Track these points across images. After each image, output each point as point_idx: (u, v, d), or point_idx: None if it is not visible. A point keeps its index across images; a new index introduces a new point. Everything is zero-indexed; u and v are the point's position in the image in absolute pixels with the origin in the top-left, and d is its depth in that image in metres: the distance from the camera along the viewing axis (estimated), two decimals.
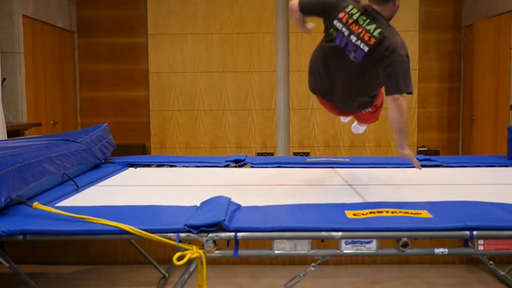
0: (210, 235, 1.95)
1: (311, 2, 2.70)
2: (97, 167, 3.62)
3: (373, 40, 2.49)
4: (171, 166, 3.93)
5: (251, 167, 3.78)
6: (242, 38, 6.33)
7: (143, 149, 6.57)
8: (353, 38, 2.54)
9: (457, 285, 3.11)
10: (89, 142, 3.51)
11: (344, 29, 2.57)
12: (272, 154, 6.28)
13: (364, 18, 2.54)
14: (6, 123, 4.58)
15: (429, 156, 4.02)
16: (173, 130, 6.43)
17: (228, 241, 2.03)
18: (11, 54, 5.06)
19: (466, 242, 2.03)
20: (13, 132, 4.72)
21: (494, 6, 5.78)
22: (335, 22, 2.60)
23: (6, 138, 4.44)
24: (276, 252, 2.01)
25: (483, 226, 1.96)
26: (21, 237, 2.02)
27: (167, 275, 3.16)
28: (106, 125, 4.09)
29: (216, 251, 1.98)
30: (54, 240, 2.11)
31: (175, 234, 1.96)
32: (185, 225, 1.97)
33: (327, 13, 2.64)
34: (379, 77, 2.57)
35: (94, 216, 2.03)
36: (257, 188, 2.92)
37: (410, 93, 2.51)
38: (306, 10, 2.75)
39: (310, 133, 6.32)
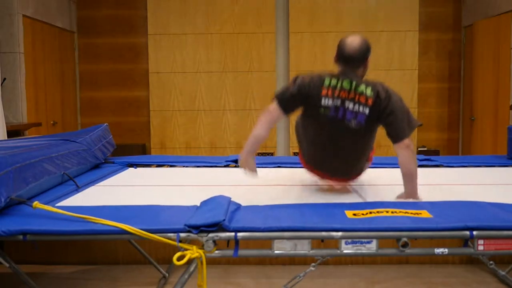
0: (210, 235, 1.95)
1: (291, 96, 2.51)
2: (97, 167, 3.62)
3: (370, 100, 2.43)
4: (171, 166, 3.93)
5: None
6: (242, 38, 6.33)
7: (143, 149, 6.56)
8: (349, 105, 2.45)
9: (457, 285, 3.11)
10: (89, 142, 3.51)
11: (335, 101, 2.46)
12: (272, 154, 6.28)
13: (348, 82, 2.46)
14: (6, 123, 4.58)
15: (429, 156, 4.02)
16: (173, 130, 6.43)
17: (228, 241, 2.03)
18: (11, 54, 5.06)
19: (466, 242, 2.03)
20: (13, 132, 4.72)
21: (494, 6, 5.78)
22: (323, 101, 2.47)
23: (6, 138, 4.44)
24: (276, 252, 2.01)
25: (483, 226, 1.96)
26: (21, 237, 2.02)
27: (167, 275, 3.16)
28: (106, 125, 4.09)
29: (216, 251, 1.98)
30: (54, 240, 2.11)
31: (175, 234, 1.96)
32: (185, 225, 1.97)
33: (309, 98, 2.50)
34: (375, 132, 2.57)
35: (95, 216, 2.03)
36: (257, 188, 2.92)
37: (420, 124, 2.54)
38: (290, 109, 2.58)
39: None
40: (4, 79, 4.90)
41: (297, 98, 2.52)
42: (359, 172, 2.78)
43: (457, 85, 6.68)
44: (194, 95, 6.39)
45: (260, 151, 6.21)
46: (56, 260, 3.47)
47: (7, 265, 2.20)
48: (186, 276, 2.01)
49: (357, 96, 2.44)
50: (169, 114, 6.41)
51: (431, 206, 2.20)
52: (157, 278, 3.15)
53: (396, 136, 2.44)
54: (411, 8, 6.25)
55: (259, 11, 6.28)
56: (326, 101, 2.46)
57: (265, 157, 4.63)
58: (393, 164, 3.81)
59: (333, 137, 2.55)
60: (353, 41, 2.51)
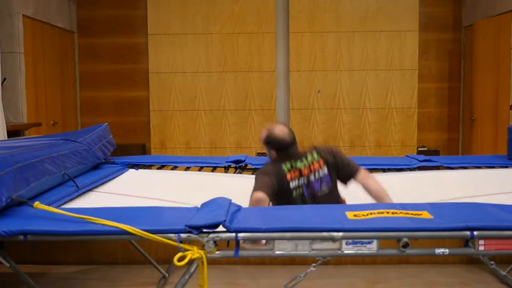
0: (211, 235, 1.95)
1: (272, 184, 2.61)
2: (98, 167, 3.62)
3: (321, 161, 2.74)
4: (173, 168, 3.93)
5: (251, 167, 3.78)
6: (242, 38, 6.32)
7: (143, 149, 6.56)
8: (312, 178, 2.69)
9: (457, 285, 3.11)
10: (89, 142, 3.51)
11: (302, 180, 2.68)
12: None
13: (299, 159, 2.71)
14: (6, 123, 4.57)
15: (429, 156, 4.02)
16: (173, 130, 6.43)
17: (228, 241, 2.03)
18: (11, 54, 5.06)
19: (466, 242, 2.03)
20: (13, 132, 4.71)
21: (494, 6, 5.77)
22: (291, 185, 2.66)
23: (6, 138, 4.44)
24: (276, 252, 2.01)
25: (483, 226, 1.96)
26: (21, 237, 2.02)
27: (167, 275, 3.16)
28: (106, 124, 4.09)
29: (217, 252, 1.98)
30: (54, 240, 2.11)
31: (176, 235, 1.96)
32: (186, 225, 1.97)
33: (280, 185, 2.64)
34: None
35: (95, 216, 2.03)
36: None
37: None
38: (272, 194, 2.66)
39: (310, 133, 6.32)
40: (4, 79, 4.90)
41: (274, 183, 2.63)
42: None
43: (457, 85, 6.67)
44: (194, 95, 6.39)
45: (260, 152, 6.22)
46: (56, 260, 3.47)
47: (7, 265, 2.19)
48: (186, 277, 2.01)
49: (311, 167, 2.71)
50: (169, 114, 6.41)
51: (431, 207, 2.20)
52: (157, 278, 3.15)
53: (356, 169, 2.78)
54: (411, 8, 6.24)
55: (259, 11, 6.27)
56: (294, 183, 2.67)
57: (265, 157, 4.62)
58: (393, 165, 3.82)
59: (313, 203, 2.68)
60: (283, 131, 2.75)
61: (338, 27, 6.25)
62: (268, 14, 6.27)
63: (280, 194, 2.65)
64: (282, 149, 2.72)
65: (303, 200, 2.67)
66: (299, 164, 2.70)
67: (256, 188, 2.56)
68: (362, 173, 2.78)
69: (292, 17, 6.25)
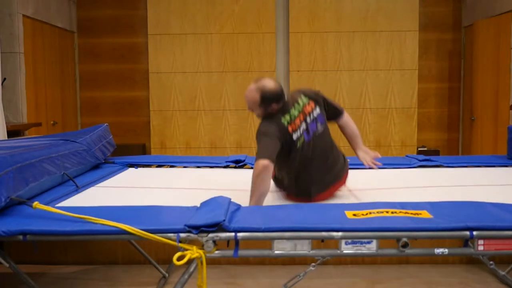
0: (210, 235, 1.95)
1: (276, 146, 2.60)
2: (97, 167, 3.62)
3: (312, 103, 2.79)
4: (171, 166, 3.93)
5: (251, 168, 3.78)
6: (242, 38, 6.32)
7: (143, 149, 6.56)
8: (308, 120, 2.73)
9: (457, 285, 3.11)
10: (89, 142, 3.51)
11: (302, 127, 2.70)
12: None
13: (293, 107, 2.73)
14: (6, 123, 4.58)
15: (429, 156, 4.02)
16: (173, 130, 6.43)
17: (228, 241, 2.03)
18: (11, 54, 5.06)
19: (466, 242, 2.03)
20: (13, 132, 4.71)
21: (494, 6, 5.77)
22: (294, 137, 2.67)
23: (6, 138, 4.44)
24: (276, 252, 2.01)
25: (483, 226, 1.96)
26: (21, 237, 2.02)
27: (167, 275, 3.16)
28: (106, 125, 4.09)
29: (216, 251, 1.98)
30: (54, 240, 2.11)
31: (175, 235, 1.96)
32: (185, 225, 1.97)
33: (284, 141, 2.65)
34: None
35: (94, 216, 2.03)
36: None
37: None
38: (277, 154, 2.66)
39: None
40: (4, 79, 4.90)
41: (279, 143, 2.63)
42: (346, 167, 2.92)
43: (457, 85, 6.67)
44: (194, 95, 6.39)
45: None
46: (56, 260, 3.47)
47: (7, 265, 2.19)
48: (186, 276, 2.01)
49: (305, 110, 2.75)
50: (169, 114, 6.41)
51: (431, 206, 2.20)
52: (157, 278, 3.15)
53: (341, 111, 2.99)
54: (411, 8, 6.24)
55: (259, 11, 6.27)
56: (296, 134, 2.68)
57: None
58: (393, 164, 3.82)
59: (316, 151, 2.73)
60: (271, 82, 2.73)
61: (338, 27, 6.25)
62: (268, 14, 6.27)
63: (284, 149, 2.65)
64: (280, 99, 2.69)
65: (305, 147, 2.68)
66: (295, 112, 2.71)
67: (261, 155, 2.52)
68: (346, 115, 3.00)
69: (292, 17, 6.25)
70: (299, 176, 2.74)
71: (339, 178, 2.84)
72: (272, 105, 2.68)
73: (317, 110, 2.79)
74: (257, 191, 2.50)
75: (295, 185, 2.77)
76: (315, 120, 2.75)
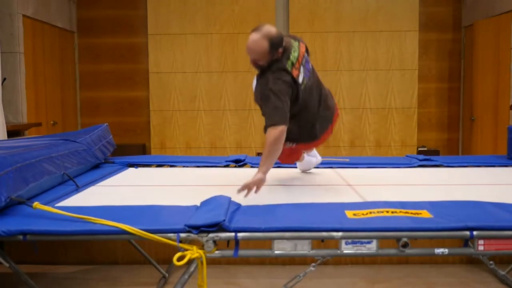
0: (210, 235, 1.95)
1: (288, 107, 2.60)
2: (97, 167, 3.62)
3: (302, 45, 2.83)
4: (171, 166, 3.93)
5: (251, 167, 3.78)
6: (242, 38, 6.32)
7: (143, 149, 6.56)
8: (304, 61, 2.79)
9: (457, 285, 3.11)
10: (89, 142, 3.51)
11: (305, 69, 2.77)
12: None
13: (293, 52, 2.73)
14: (6, 123, 4.58)
15: (429, 156, 4.02)
16: (173, 130, 6.43)
17: (228, 241, 2.03)
18: (11, 54, 5.06)
19: (466, 242, 2.03)
20: (13, 132, 4.71)
21: (494, 6, 5.77)
22: (299, 81, 2.69)
23: (6, 138, 4.44)
24: (276, 252, 2.00)
25: (483, 226, 1.96)
26: (21, 237, 2.02)
27: (167, 275, 3.16)
28: (106, 125, 4.09)
29: (216, 251, 1.98)
30: (54, 240, 2.11)
31: (175, 234, 1.96)
32: (185, 225, 1.97)
33: (292, 92, 2.67)
34: None
35: (94, 216, 2.03)
36: None
37: None
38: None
39: None
40: (4, 79, 4.90)
41: (289, 96, 2.66)
42: (334, 100, 3.04)
43: (457, 85, 6.67)
44: (194, 95, 6.39)
45: (260, 151, 6.22)
46: (56, 260, 3.47)
47: (7, 265, 2.19)
48: (186, 276, 2.01)
49: (301, 51, 2.78)
50: (169, 114, 6.41)
51: (431, 206, 2.20)
52: (157, 278, 3.15)
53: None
54: (411, 8, 6.24)
55: (259, 11, 6.27)
56: (300, 78, 2.70)
57: None
58: (393, 164, 3.82)
59: (313, 89, 2.81)
60: (272, 28, 2.68)
61: (338, 27, 6.25)
62: (268, 14, 6.27)
63: (292, 97, 2.67)
64: (279, 46, 2.66)
65: (307, 87, 2.74)
66: (295, 54, 2.73)
67: (277, 120, 2.53)
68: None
69: (292, 17, 6.25)
70: (303, 118, 2.78)
71: (334, 111, 2.98)
72: (278, 49, 2.66)
73: (307, 52, 2.88)
74: (273, 156, 2.53)
75: (299, 130, 2.79)
76: (307, 60, 2.83)
